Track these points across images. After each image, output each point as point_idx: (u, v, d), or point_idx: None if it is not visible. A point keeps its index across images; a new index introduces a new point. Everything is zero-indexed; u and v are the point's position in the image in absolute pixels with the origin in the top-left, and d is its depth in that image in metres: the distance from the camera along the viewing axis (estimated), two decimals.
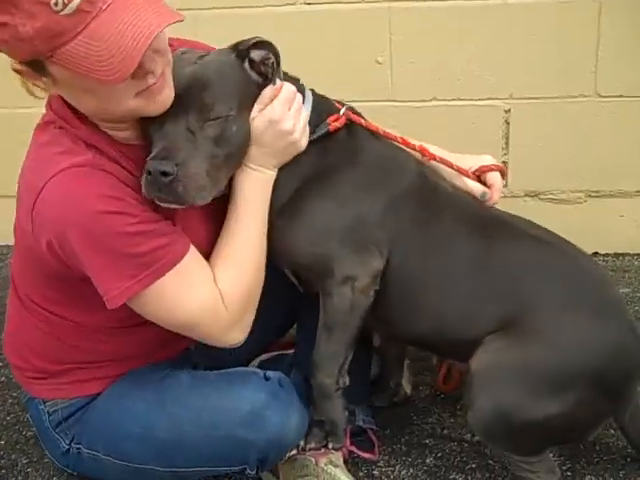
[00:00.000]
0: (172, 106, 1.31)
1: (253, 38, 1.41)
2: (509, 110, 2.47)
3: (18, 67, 1.22)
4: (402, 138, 1.60)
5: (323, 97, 1.56)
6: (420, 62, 2.44)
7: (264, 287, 1.50)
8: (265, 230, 1.46)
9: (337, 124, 1.51)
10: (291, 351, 1.79)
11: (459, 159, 1.67)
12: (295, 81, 1.50)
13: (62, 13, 1.10)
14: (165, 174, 1.28)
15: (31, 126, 1.41)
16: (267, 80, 1.42)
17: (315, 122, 1.49)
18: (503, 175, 1.70)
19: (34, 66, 1.20)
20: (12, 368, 1.64)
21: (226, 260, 1.43)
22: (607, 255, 2.59)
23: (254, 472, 1.47)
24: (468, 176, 1.65)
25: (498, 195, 1.66)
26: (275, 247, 1.49)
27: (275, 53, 1.41)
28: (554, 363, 1.42)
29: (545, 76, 2.41)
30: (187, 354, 1.65)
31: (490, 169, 1.67)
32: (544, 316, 1.45)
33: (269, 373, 1.51)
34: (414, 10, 2.39)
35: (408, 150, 1.61)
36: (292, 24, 2.43)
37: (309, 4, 2.43)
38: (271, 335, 1.81)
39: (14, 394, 2.03)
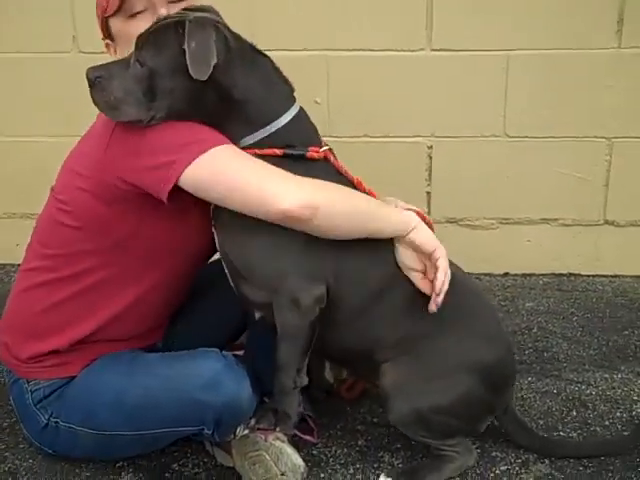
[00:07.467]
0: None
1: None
2: (431, 146, 2.80)
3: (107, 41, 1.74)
4: (357, 179, 1.69)
5: (311, 122, 1.70)
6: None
7: (220, 293, 1.78)
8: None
9: (315, 154, 1.62)
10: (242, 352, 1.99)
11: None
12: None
13: None
14: (87, 79, 1.56)
15: None
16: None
17: (296, 140, 1.61)
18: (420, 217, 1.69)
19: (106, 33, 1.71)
20: (1, 346, 1.80)
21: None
22: (516, 275, 2.92)
23: (210, 432, 1.68)
24: None
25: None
26: (235, 261, 1.66)
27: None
28: (453, 366, 1.72)
29: (463, 118, 2.75)
30: (153, 349, 1.87)
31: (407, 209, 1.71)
32: (446, 338, 1.72)
33: (225, 352, 1.74)
34: (350, 58, 2.72)
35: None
36: None
37: None
38: (225, 336, 2.01)
39: None
